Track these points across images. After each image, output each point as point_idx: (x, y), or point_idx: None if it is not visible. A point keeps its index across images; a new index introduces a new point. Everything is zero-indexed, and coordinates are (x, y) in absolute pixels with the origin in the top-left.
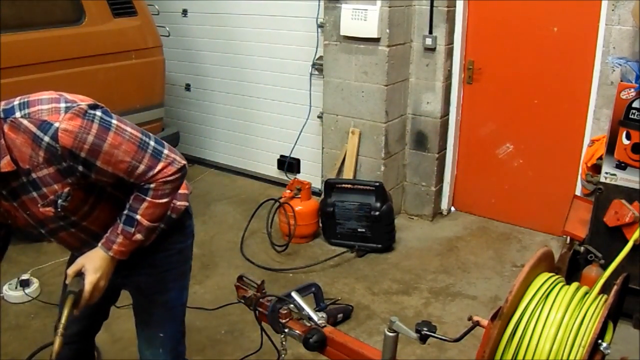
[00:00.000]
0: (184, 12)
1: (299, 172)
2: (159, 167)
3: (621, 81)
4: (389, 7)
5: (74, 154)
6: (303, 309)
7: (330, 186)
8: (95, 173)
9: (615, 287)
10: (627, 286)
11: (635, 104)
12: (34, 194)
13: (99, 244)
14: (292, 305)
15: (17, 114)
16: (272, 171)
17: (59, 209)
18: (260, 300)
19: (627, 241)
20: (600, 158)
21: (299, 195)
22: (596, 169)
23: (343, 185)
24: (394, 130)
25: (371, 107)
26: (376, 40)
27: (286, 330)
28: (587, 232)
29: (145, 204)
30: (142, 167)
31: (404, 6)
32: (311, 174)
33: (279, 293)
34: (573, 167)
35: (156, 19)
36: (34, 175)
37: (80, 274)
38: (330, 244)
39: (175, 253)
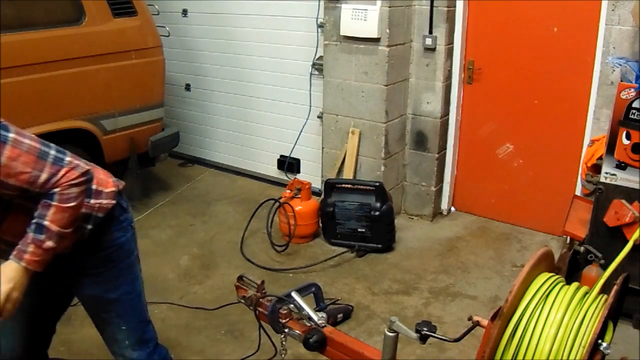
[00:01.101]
0: (184, 12)
1: (299, 172)
2: (61, 172)
3: (621, 81)
4: (389, 7)
5: None
6: (303, 309)
7: (330, 186)
8: None
9: (615, 287)
10: (627, 286)
11: (635, 104)
12: None
13: (11, 255)
14: (292, 305)
15: None
16: (272, 171)
17: None
18: (260, 300)
19: (627, 241)
20: (600, 158)
21: (299, 195)
22: (596, 169)
23: (343, 185)
24: (394, 130)
25: (371, 107)
26: (376, 40)
27: (286, 330)
28: (587, 232)
29: (52, 210)
30: (44, 176)
31: (404, 6)
32: (311, 174)
33: (279, 293)
34: (573, 167)
35: (156, 19)
36: None
37: None
38: (330, 244)
39: (115, 250)
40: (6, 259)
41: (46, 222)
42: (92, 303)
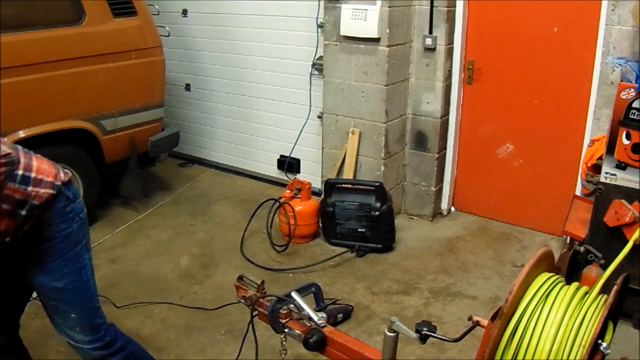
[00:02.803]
0: (184, 12)
1: (299, 172)
2: None
3: (621, 81)
4: (389, 7)
5: None
6: (303, 309)
7: (330, 186)
8: None
9: (615, 287)
10: (627, 286)
11: (635, 104)
12: None
13: None
14: (292, 305)
15: None
16: (272, 171)
17: None
18: (260, 300)
19: (627, 241)
20: (600, 158)
21: (299, 195)
22: (596, 169)
23: (343, 185)
24: (394, 130)
25: (371, 107)
26: (376, 40)
27: (286, 330)
28: (587, 232)
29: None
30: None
31: (404, 6)
32: (311, 174)
33: (279, 293)
34: (573, 167)
35: (156, 19)
36: None
37: None
38: (330, 244)
39: (60, 241)
40: None
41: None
42: (41, 291)
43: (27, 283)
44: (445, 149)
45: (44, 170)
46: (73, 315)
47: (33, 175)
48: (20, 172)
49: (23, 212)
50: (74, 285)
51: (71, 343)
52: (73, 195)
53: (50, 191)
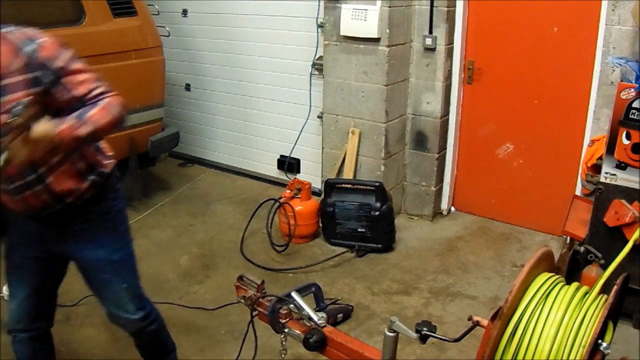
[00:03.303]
0: (184, 12)
1: (299, 172)
2: (113, 92)
3: (621, 81)
4: (389, 7)
5: (47, 66)
6: (303, 309)
7: (330, 186)
8: (58, 88)
9: (615, 287)
10: (627, 286)
11: (635, 104)
12: None
13: (52, 121)
14: (292, 305)
15: (5, 29)
16: (272, 171)
17: (18, 115)
18: (260, 300)
19: (627, 241)
20: (600, 158)
21: (299, 195)
22: (596, 169)
23: (343, 185)
24: (394, 130)
25: (371, 107)
26: (376, 40)
27: (286, 330)
28: (587, 232)
29: (97, 109)
30: (97, 91)
31: (404, 6)
32: (311, 174)
33: (279, 293)
34: (573, 167)
35: (156, 19)
36: (3, 82)
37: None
38: (330, 244)
39: (114, 216)
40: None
41: (88, 114)
42: (95, 267)
43: (60, 274)
44: (445, 149)
45: (107, 147)
46: (125, 286)
47: (102, 145)
48: None
49: (91, 177)
50: (126, 257)
51: (120, 317)
52: (118, 177)
53: (112, 163)
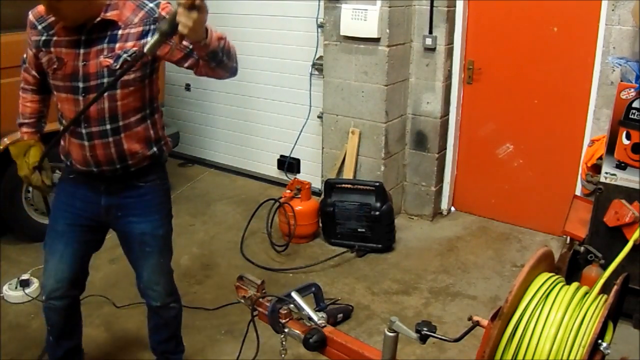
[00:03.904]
0: None
1: (299, 172)
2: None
3: (621, 81)
4: (389, 7)
5: (165, 18)
6: (303, 309)
7: (330, 186)
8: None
9: (615, 287)
10: (627, 286)
11: (635, 104)
12: (105, 45)
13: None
14: (292, 305)
15: None
16: (272, 171)
17: (118, 63)
18: (260, 300)
19: (627, 241)
20: (600, 158)
21: (299, 195)
22: (596, 169)
23: (343, 185)
24: (394, 130)
25: (371, 107)
26: (376, 40)
27: (286, 330)
28: (587, 232)
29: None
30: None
31: (404, 6)
32: (311, 174)
33: (279, 293)
34: (573, 167)
35: None
36: (119, 32)
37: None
38: (330, 244)
39: (163, 194)
40: (89, 134)
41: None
42: (140, 239)
43: (98, 245)
44: (445, 149)
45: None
46: (162, 261)
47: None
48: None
49: (155, 148)
50: (168, 234)
51: (152, 288)
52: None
53: (171, 144)
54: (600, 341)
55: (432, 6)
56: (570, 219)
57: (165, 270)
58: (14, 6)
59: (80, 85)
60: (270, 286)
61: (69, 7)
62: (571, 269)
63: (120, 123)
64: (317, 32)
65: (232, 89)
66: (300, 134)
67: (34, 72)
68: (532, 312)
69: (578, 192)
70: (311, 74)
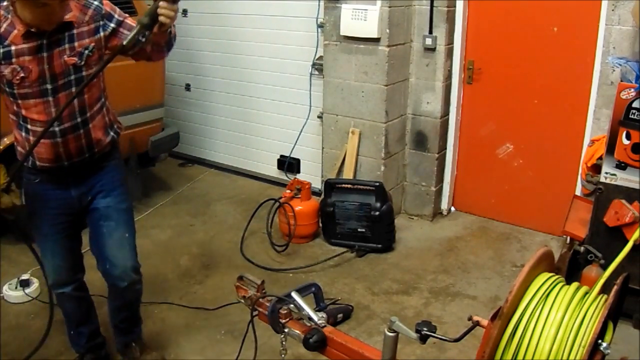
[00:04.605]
0: (184, 12)
1: (299, 172)
2: None
3: (621, 81)
4: (389, 7)
5: (111, 14)
6: (303, 309)
7: (330, 186)
8: (118, 31)
9: (615, 287)
10: (627, 286)
11: (635, 104)
12: (67, 46)
13: None
14: (292, 305)
15: None
16: (272, 171)
17: (82, 60)
18: (260, 300)
19: (627, 241)
20: (600, 158)
21: (299, 195)
22: (596, 169)
23: (343, 185)
24: (394, 130)
25: (371, 107)
26: (376, 40)
27: (286, 330)
28: (587, 232)
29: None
30: None
31: (404, 6)
32: (311, 174)
33: (279, 293)
34: (573, 167)
35: None
36: (74, 31)
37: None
38: (330, 244)
39: (121, 172)
40: (62, 131)
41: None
42: (106, 214)
43: (84, 220)
44: (445, 149)
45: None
46: (127, 235)
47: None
48: None
49: (111, 132)
50: (130, 207)
51: (119, 266)
52: None
53: (122, 126)
54: (600, 341)
55: (432, 6)
56: (570, 219)
57: (132, 246)
58: None
59: (49, 86)
60: (270, 286)
61: (61, 9)
62: (571, 269)
63: (88, 115)
64: (317, 32)
65: (232, 89)
66: (300, 134)
67: None
68: (532, 312)
69: (578, 192)
70: (311, 74)
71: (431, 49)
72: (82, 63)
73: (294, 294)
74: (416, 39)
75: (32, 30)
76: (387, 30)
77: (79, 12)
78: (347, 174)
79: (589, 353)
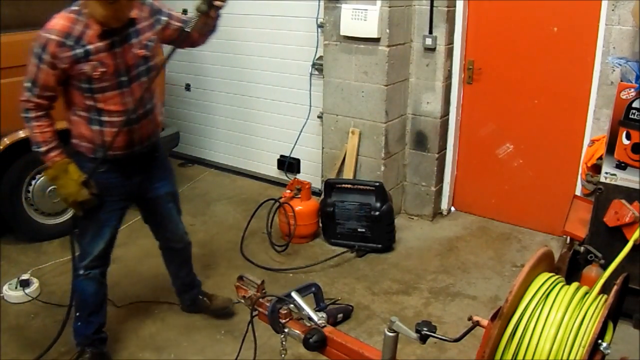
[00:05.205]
0: (184, 12)
1: (299, 172)
2: None
3: (621, 81)
4: (389, 7)
5: (161, 10)
6: (303, 309)
7: (330, 186)
8: (169, 23)
9: (615, 287)
10: (627, 286)
11: (635, 104)
12: (134, 40)
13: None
14: (292, 305)
15: None
16: (272, 171)
17: (149, 51)
18: (260, 300)
19: (627, 241)
20: (600, 158)
21: (299, 195)
22: (596, 169)
23: (343, 185)
24: (394, 130)
25: (371, 107)
26: (376, 40)
27: (286, 330)
28: (587, 232)
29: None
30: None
31: (404, 6)
32: (311, 174)
33: (279, 293)
34: (573, 167)
35: None
36: (138, 26)
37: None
38: (330, 244)
39: (167, 159)
40: (136, 112)
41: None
42: (165, 199)
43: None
44: (445, 149)
45: None
46: (180, 211)
47: None
48: None
49: (161, 119)
50: (176, 189)
51: (176, 234)
52: None
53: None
54: (600, 341)
55: (432, 6)
56: (570, 219)
57: (181, 220)
58: (14, 6)
59: (125, 78)
60: (270, 286)
61: (128, 6)
62: (571, 269)
63: (154, 101)
64: (317, 32)
65: (232, 89)
66: (300, 134)
67: (47, 94)
68: (532, 312)
69: (578, 192)
70: (311, 74)
71: (431, 49)
72: (150, 54)
73: (294, 294)
74: (416, 39)
75: (105, 29)
76: (387, 30)
77: (138, 9)
78: (347, 174)
79: (589, 353)
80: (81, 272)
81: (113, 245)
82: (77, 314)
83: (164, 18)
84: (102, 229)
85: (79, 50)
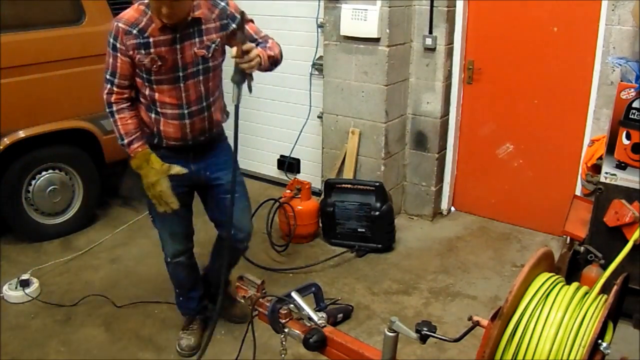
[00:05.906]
0: None
1: (299, 172)
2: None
3: (621, 81)
4: (389, 7)
5: (235, 16)
6: (303, 309)
7: (330, 186)
8: (237, 33)
9: (615, 287)
10: (627, 286)
11: (635, 104)
12: (196, 39)
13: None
14: (292, 305)
15: None
16: (272, 171)
17: (210, 52)
18: (260, 300)
19: (627, 241)
20: (600, 158)
21: (299, 195)
22: (596, 169)
23: (343, 185)
24: (394, 130)
25: (371, 107)
26: (376, 40)
27: (286, 330)
28: (587, 232)
29: (270, 43)
30: (264, 33)
31: (404, 6)
32: (311, 174)
33: (279, 293)
34: (573, 167)
35: None
36: (203, 27)
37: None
38: (330, 244)
39: (230, 147)
40: (189, 110)
41: (268, 45)
42: (228, 187)
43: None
44: (445, 149)
45: None
46: (246, 203)
47: None
48: None
49: (224, 115)
50: (243, 181)
51: (242, 231)
52: None
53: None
54: (600, 341)
55: (432, 6)
56: (570, 219)
57: (249, 213)
58: (14, 6)
59: (180, 74)
60: (270, 286)
61: (182, 6)
62: (571, 269)
63: (211, 99)
64: (317, 32)
65: (232, 89)
66: (300, 134)
67: (127, 82)
68: (532, 312)
69: (578, 192)
70: (311, 74)
71: (431, 49)
72: (210, 55)
73: (294, 294)
74: (416, 39)
75: (167, 24)
76: (387, 30)
77: (208, 10)
78: (347, 174)
79: (589, 353)
80: (168, 259)
81: (189, 231)
82: (177, 291)
83: (234, 26)
84: (176, 220)
85: (142, 41)
